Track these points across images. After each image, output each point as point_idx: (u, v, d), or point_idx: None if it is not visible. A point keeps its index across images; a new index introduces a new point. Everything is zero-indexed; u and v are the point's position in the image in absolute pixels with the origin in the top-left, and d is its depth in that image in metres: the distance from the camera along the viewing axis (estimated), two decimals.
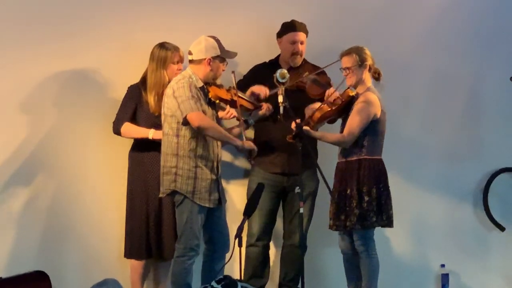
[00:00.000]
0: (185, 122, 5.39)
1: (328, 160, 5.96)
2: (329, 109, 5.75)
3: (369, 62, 5.75)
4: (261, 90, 5.80)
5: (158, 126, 5.64)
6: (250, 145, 5.54)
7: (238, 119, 5.69)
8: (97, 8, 5.95)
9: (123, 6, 6.00)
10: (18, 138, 5.83)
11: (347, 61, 5.75)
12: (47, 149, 5.89)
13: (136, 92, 5.76)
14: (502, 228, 6.79)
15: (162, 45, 5.73)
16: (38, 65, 5.83)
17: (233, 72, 5.61)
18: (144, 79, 5.77)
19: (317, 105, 5.81)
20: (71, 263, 5.94)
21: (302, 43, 6.01)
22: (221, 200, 5.59)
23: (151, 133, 5.68)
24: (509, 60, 6.81)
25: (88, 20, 5.93)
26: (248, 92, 5.82)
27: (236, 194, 6.22)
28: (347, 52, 5.76)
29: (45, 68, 5.86)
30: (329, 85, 5.97)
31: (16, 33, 5.80)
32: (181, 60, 5.76)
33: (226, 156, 6.19)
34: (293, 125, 5.60)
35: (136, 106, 5.75)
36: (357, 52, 5.74)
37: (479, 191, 6.79)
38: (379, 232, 5.85)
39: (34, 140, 5.85)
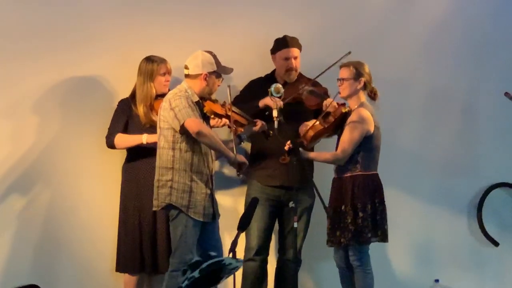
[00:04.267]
0: (183, 131, 5.38)
1: (325, 175, 5.96)
2: (322, 127, 5.77)
3: (365, 78, 5.76)
4: (276, 102, 5.75)
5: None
6: (242, 159, 5.55)
7: (229, 127, 5.68)
8: (94, 21, 5.96)
9: (120, 20, 6.00)
10: (11, 151, 5.82)
11: (344, 72, 5.78)
12: (41, 162, 5.87)
13: (126, 106, 5.80)
14: (496, 244, 6.80)
15: (148, 59, 5.78)
16: (34, 78, 5.82)
17: (228, 86, 5.60)
18: (134, 93, 5.80)
19: (311, 123, 5.81)
20: (65, 277, 5.91)
21: (295, 58, 6.01)
22: (215, 215, 5.58)
23: (145, 138, 5.69)
24: (503, 74, 6.83)
25: (84, 33, 5.93)
26: (262, 104, 5.82)
27: (231, 207, 6.20)
28: (346, 64, 5.79)
29: (41, 81, 5.85)
30: (326, 95, 5.98)
31: (13, 47, 5.82)
32: (168, 72, 5.79)
33: (221, 169, 6.19)
34: (287, 146, 5.60)
35: (127, 119, 5.78)
36: (356, 66, 5.77)
37: (473, 206, 6.80)
38: (373, 247, 5.84)
39: (27, 153, 5.84)
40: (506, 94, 6.26)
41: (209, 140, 5.40)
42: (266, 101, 5.82)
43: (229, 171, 6.24)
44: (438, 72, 6.72)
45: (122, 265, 5.78)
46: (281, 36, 6.04)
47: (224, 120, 5.68)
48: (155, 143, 5.59)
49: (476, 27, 6.81)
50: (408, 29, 6.65)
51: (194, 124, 5.35)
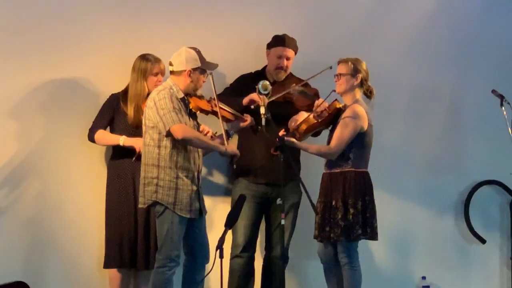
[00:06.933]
0: (169, 134, 5.41)
1: (312, 171, 5.97)
2: (316, 121, 5.76)
3: (362, 74, 5.77)
4: (263, 98, 5.73)
5: (134, 135, 5.70)
6: (233, 149, 5.59)
7: (212, 136, 5.73)
8: (82, 21, 5.96)
9: (109, 20, 6.01)
10: None
11: (342, 68, 5.79)
12: (27, 160, 5.86)
13: (115, 102, 5.81)
14: (483, 241, 6.82)
15: (143, 57, 5.78)
16: (20, 77, 5.82)
17: (210, 73, 5.55)
18: (126, 90, 5.81)
19: (300, 116, 5.81)
20: (52, 273, 5.91)
21: (288, 58, 6.01)
22: (202, 211, 5.60)
23: (122, 140, 5.72)
24: (490, 72, 6.86)
25: (72, 33, 5.93)
26: (247, 99, 5.82)
27: (219, 205, 6.21)
28: (344, 60, 5.80)
29: (28, 80, 5.84)
30: (316, 96, 5.98)
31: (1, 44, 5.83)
32: (161, 72, 5.79)
33: (208, 166, 6.20)
34: (281, 133, 5.61)
35: (113, 115, 5.80)
36: (354, 62, 5.78)
37: (460, 203, 6.82)
38: (360, 244, 5.83)
39: (14, 150, 5.84)
40: (493, 91, 6.30)
41: (195, 142, 5.45)
42: (251, 96, 5.82)
43: (218, 169, 6.27)
44: (424, 70, 6.75)
45: (108, 261, 5.78)
46: (271, 33, 6.06)
47: (206, 129, 5.73)
48: (131, 146, 5.66)
49: (461, 25, 6.85)
50: (394, 28, 6.69)
51: (180, 130, 5.37)
